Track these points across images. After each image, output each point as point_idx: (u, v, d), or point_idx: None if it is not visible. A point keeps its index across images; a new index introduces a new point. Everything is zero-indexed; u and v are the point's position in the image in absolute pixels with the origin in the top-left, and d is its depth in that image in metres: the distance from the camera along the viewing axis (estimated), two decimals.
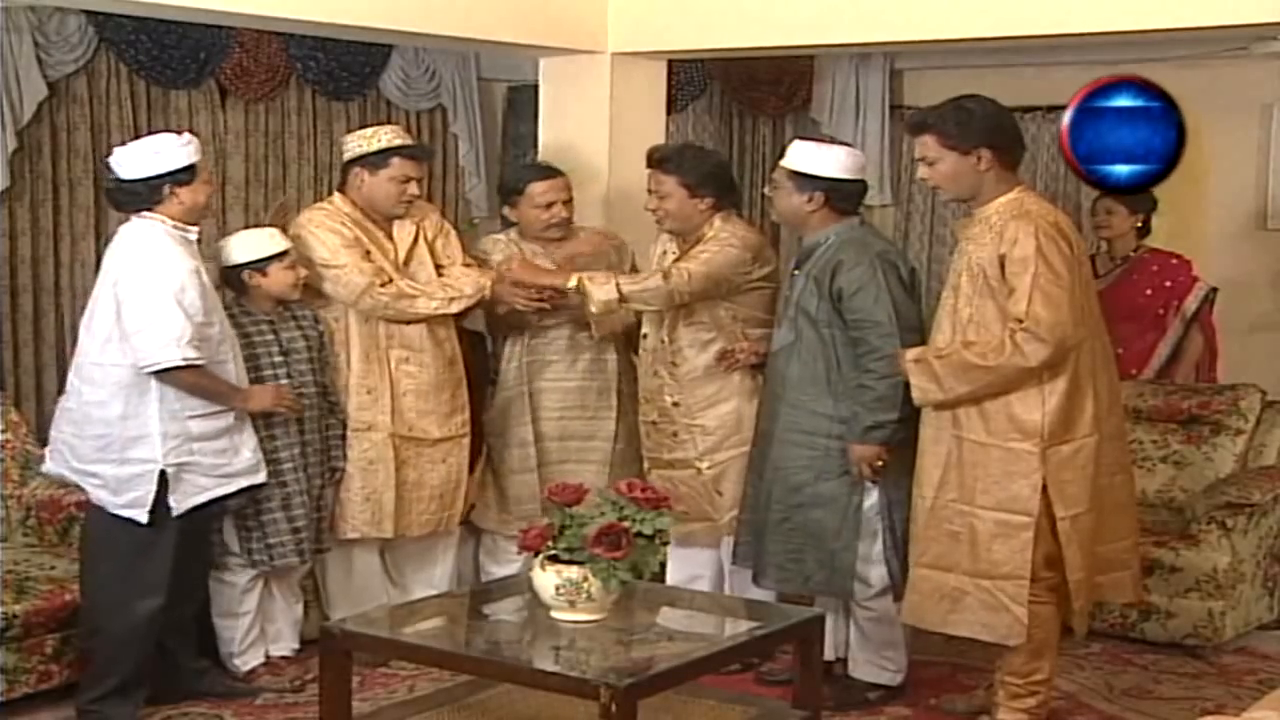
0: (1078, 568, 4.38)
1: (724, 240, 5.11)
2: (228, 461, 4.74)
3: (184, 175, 4.62)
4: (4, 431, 5.35)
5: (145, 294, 4.53)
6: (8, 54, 6.38)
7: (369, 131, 5.31)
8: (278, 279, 4.98)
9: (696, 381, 5.19)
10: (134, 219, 4.67)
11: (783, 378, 4.87)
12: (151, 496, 4.59)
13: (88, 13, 6.53)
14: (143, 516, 4.59)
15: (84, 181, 6.77)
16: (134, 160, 4.63)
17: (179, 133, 4.78)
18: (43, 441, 5.76)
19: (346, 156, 5.28)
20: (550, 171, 5.58)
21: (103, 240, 6.78)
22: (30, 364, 6.69)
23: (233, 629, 5.04)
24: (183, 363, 4.51)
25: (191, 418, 4.62)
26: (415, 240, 5.31)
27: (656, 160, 5.22)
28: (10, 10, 6.18)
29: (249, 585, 5.03)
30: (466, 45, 6.76)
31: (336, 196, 5.33)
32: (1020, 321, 4.26)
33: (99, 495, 4.64)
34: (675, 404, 5.21)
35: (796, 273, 4.89)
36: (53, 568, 5.02)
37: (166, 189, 4.60)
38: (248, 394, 4.79)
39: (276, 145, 7.39)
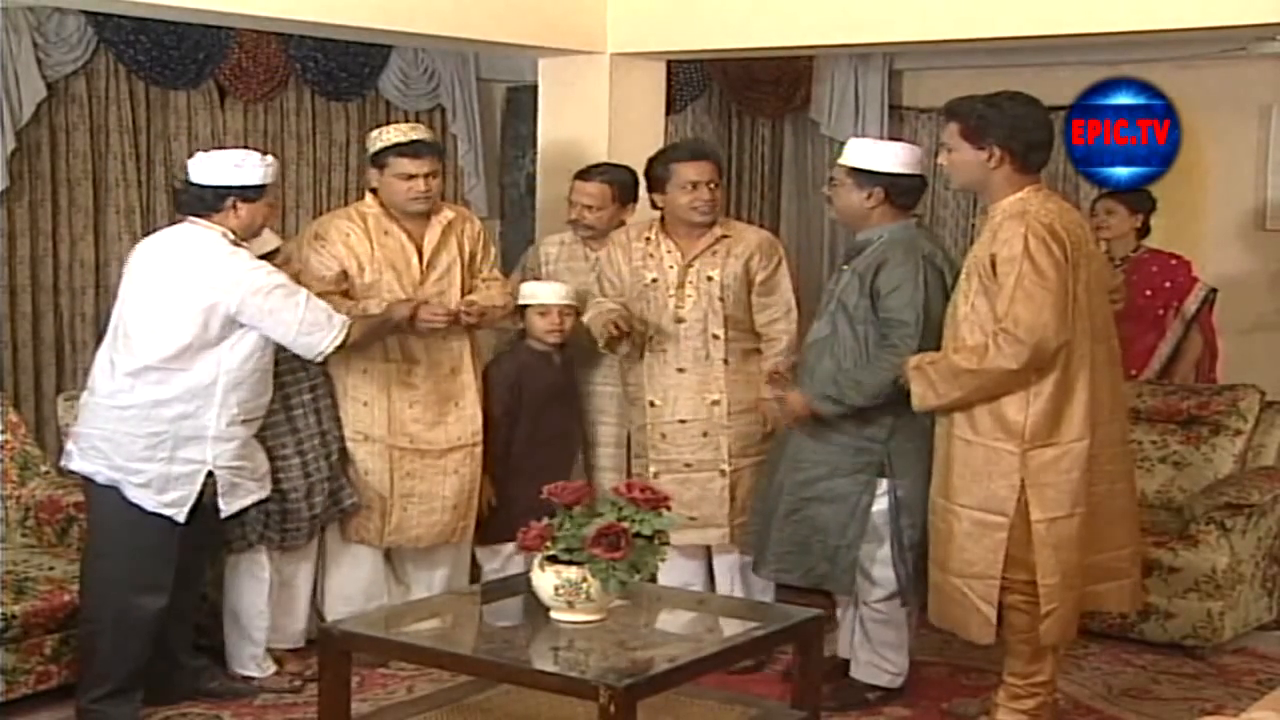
0: (1050, 572, 4.34)
1: (768, 253, 5.27)
2: (262, 464, 4.87)
3: (252, 192, 4.70)
4: (3, 432, 5.35)
5: (273, 297, 4.62)
6: (7, 54, 6.37)
7: (377, 131, 5.33)
8: None
9: (739, 384, 5.22)
10: (188, 224, 4.71)
11: (812, 371, 4.87)
12: (194, 497, 4.66)
13: (87, 13, 6.52)
14: (181, 516, 4.65)
15: (83, 182, 6.76)
16: (211, 167, 4.70)
17: (264, 152, 4.88)
18: (41, 442, 5.79)
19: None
20: (585, 173, 5.61)
21: (102, 240, 6.80)
22: (29, 364, 6.68)
23: (260, 632, 5.05)
24: (344, 330, 4.73)
25: (246, 421, 4.72)
26: (442, 246, 5.28)
27: (708, 152, 5.37)
28: (9, 10, 6.17)
29: (275, 583, 5.06)
30: (465, 46, 6.75)
31: (369, 196, 5.34)
32: (1000, 322, 4.27)
33: (137, 493, 4.63)
34: (715, 403, 5.23)
35: (845, 268, 4.90)
36: (51, 568, 5.01)
37: (230, 200, 4.67)
38: (395, 306, 5.06)
39: (275, 146, 7.38)
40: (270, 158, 4.81)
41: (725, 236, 5.28)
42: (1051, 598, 4.36)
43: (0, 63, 6.35)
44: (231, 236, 4.69)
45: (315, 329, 4.69)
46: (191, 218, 4.72)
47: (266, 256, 4.93)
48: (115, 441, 4.64)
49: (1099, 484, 4.39)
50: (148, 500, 4.63)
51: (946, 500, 4.44)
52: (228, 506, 4.75)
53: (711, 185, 5.24)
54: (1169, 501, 5.94)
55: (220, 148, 7.08)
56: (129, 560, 4.65)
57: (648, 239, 5.33)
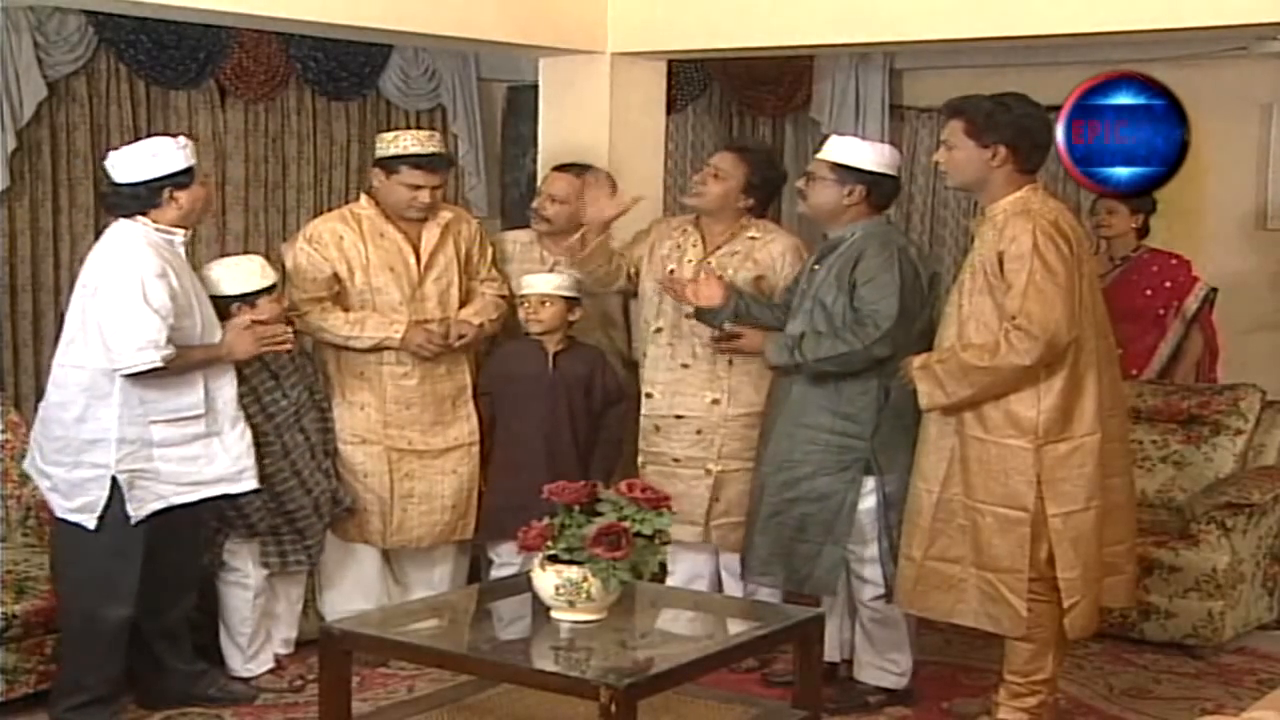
0: (1069, 566, 4.38)
1: (794, 262, 5.22)
2: (197, 470, 4.65)
3: (183, 178, 4.58)
4: (4, 432, 5.34)
5: (114, 297, 4.46)
6: (7, 54, 6.38)
7: (391, 135, 5.33)
8: (265, 312, 4.89)
9: (742, 385, 5.21)
10: (120, 221, 4.61)
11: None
12: (102, 502, 4.53)
13: (87, 13, 6.53)
14: (90, 522, 4.54)
15: (83, 181, 6.77)
16: (132, 164, 4.58)
17: (174, 135, 4.74)
18: None
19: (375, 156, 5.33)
20: (565, 166, 5.63)
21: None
22: (30, 364, 6.69)
23: (243, 637, 5.03)
24: (161, 363, 4.46)
25: (154, 423, 4.56)
26: (440, 246, 5.29)
27: (738, 148, 5.43)
28: (10, 10, 6.17)
29: (259, 589, 5.03)
30: (466, 45, 6.75)
31: (364, 198, 5.34)
32: (1014, 319, 4.29)
33: (51, 498, 4.62)
34: (715, 401, 5.22)
35: (816, 267, 4.90)
36: (52, 568, 5.01)
37: (167, 193, 4.55)
38: (226, 345, 4.67)
39: (276, 146, 7.39)
40: (184, 139, 4.67)
41: (753, 238, 5.25)
42: (1073, 591, 4.39)
43: (1, 62, 6.36)
44: (157, 226, 4.54)
45: (134, 343, 4.41)
46: (124, 219, 4.58)
47: (264, 291, 4.86)
48: (39, 443, 4.65)
49: (1101, 478, 4.41)
50: (59, 506, 4.58)
51: (968, 498, 4.44)
52: (135, 512, 4.53)
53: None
54: (1169, 501, 5.94)
55: (220, 147, 7.17)
56: (88, 569, 4.58)
57: (684, 230, 5.34)
